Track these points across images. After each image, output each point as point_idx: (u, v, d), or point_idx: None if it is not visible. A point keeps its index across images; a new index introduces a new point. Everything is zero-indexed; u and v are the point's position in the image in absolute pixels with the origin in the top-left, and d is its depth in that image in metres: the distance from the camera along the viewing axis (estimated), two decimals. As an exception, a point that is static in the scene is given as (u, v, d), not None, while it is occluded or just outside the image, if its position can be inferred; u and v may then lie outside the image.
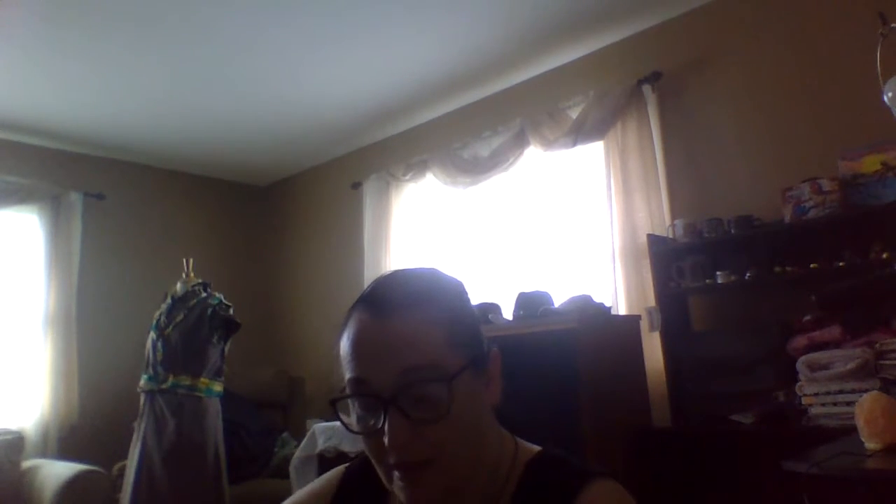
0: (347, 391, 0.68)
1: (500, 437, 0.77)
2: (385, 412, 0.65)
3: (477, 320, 0.76)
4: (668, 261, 2.78)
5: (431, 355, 0.66)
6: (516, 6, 3.04)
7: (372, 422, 0.67)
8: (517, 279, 3.52)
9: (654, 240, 2.83)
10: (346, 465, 0.87)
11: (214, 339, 3.18)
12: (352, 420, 0.69)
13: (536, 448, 0.77)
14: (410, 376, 0.65)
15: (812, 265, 2.40)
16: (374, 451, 0.68)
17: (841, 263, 2.34)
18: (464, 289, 0.77)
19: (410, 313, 0.68)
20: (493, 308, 2.91)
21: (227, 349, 3.26)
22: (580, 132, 3.26)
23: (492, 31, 3.25)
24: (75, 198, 4.28)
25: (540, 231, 3.61)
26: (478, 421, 0.70)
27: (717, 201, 2.92)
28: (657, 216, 3.02)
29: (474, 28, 3.22)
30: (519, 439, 0.79)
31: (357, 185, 4.53)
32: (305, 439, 3.25)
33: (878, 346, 2.10)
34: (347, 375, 0.68)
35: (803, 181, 2.47)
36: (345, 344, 0.69)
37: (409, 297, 0.69)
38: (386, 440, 0.65)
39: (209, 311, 3.18)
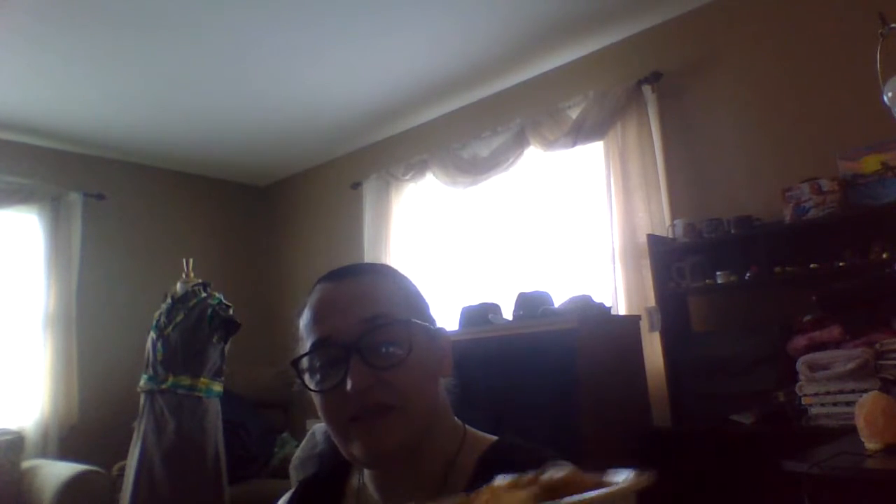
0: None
1: (453, 422, 0.79)
2: (348, 361, 0.68)
3: (427, 303, 0.81)
4: (668, 261, 2.78)
5: (388, 307, 0.72)
6: (516, 6, 3.04)
7: (334, 375, 0.69)
8: (517, 279, 3.52)
9: (654, 240, 2.83)
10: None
11: (214, 340, 3.17)
12: (312, 382, 0.72)
13: (492, 438, 0.79)
14: (370, 324, 0.69)
15: (812, 265, 2.40)
16: (334, 409, 0.70)
17: (841, 263, 2.34)
18: (414, 282, 0.83)
19: (366, 276, 0.76)
20: (493, 308, 2.91)
21: (227, 349, 3.26)
22: (580, 132, 3.26)
23: (491, 31, 3.25)
24: (75, 198, 4.28)
25: (540, 231, 3.61)
26: (433, 380, 0.74)
27: (717, 201, 2.92)
28: (657, 216, 3.02)
29: (474, 28, 3.22)
30: (471, 429, 0.80)
31: (357, 185, 4.54)
32: (305, 439, 3.24)
33: (878, 346, 2.10)
34: (311, 340, 0.72)
35: (803, 181, 2.47)
36: (306, 315, 0.74)
37: (364, 268, 0.78)
38: (349, 385, 0.67)
39: (209, 311, 3.17)
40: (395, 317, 0.71)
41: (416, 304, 0.77)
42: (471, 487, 0.70)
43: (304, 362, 0.72)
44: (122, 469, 3.34)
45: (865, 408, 1.54)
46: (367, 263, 0.82)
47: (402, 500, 0.74)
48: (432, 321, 0.78)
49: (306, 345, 0.73)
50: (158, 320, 3.22)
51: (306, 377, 0.72)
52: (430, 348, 0.74)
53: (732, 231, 2.62)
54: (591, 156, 3.35)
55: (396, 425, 0.68)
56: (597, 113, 3.23)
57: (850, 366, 2.07)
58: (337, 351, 0.69)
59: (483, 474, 0.71)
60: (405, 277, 0.81)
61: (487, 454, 0.74)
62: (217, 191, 5.18)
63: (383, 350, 0.69)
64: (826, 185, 2.42)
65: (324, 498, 0.82)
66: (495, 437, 0.78)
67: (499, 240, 3.80)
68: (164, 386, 3.06)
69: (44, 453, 3.78)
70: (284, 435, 4.16)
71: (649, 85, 3.17)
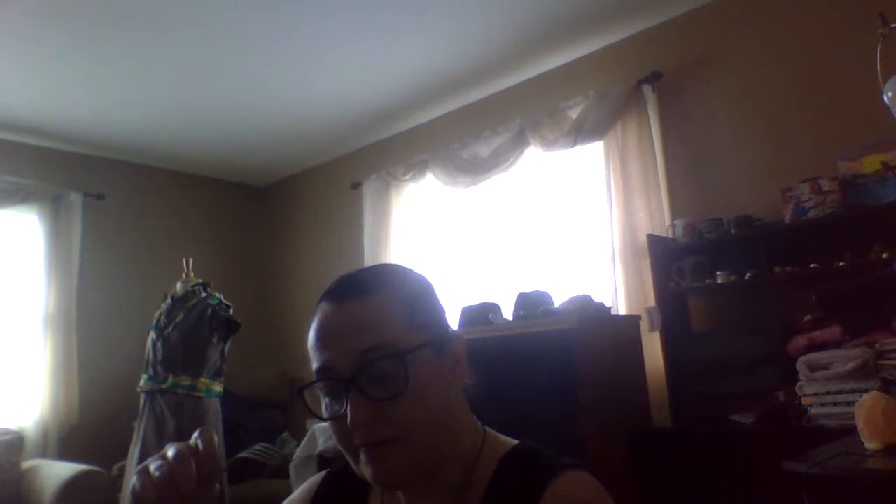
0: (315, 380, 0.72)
1: (471, 423, 0.79)
2: (346, 394, 0.68)
3: (438, 307, 0.79)
4: (668, 261, 2.78)
5: (387, 336, 0.70)
6: (516, 6, 3.04)
7: (337, 406, 0.70)
8: (517, 279, 3.52)
9: (654, 240, 2.83)
10: (329, 468, 0.90)
11: (214, 340, 3.17)
12: (320, 408, 0.73)
13: (512, 441, 0.78)
14: (367, 356, 0.68)
15: (812, 265, 2.40)
16: (341, 435, 0.71)
17: (841, 263, 2.34)
18: (426, 279, 0.81)
19: (367, 298, 0.72)
20: (493, 308, 2.91)
21: (227, 349, 3.26)
22: (580, 132, 3.26)
23: (492, 31, 3.25)
24: (75, 198, 4.28)
25: (540, 231, 3.61)
26: (443, 400, 0.72)
27: (717, 201, 2.92)
28: (657, 216, 3.02)
29: (474, 28, 3.22)
30: (491, 430, 0.80)
31: (357, 185, 4.53)
32: (305, 439, 3.25)
33: (878, 346, 2.09)
34: (314, 366, 0.72)
35: (803, 181, 2.47)
36: (311, 335, 0.73)
37: (367, 285, 0.74)
38: (349, 420, 0.67)
39: (209, 311, 3.17)
40: (395, 345, 0.69)
41: (423, 318, 0.74)
42: (490, 490, 0.72)
43: (313, 390, 0.73)
44: (122, 469, 3.34)
45: (865, 408, 1.54)
46: (371, 275, 0.77)
47: (423, 501, 0.75)
48: (443, 329, 0.77)
49: (312, 367, 0.73)
50: (158, 320, 3.22)
51: (314, 404, 0.73)
52: (437, 369, 0.72)
53: (732, 231, 2.62)
54: (591, 156, 3.35)
55: (401, 455, 0.68)
56: (597, 113, 3.22)
57: (850, 366, 2.07)
58: (336, 383, 0.69)
59: (503, 478, 0.72)
60: (413, 282, 0.78)
61: (508, 458, 0.75)
62: (217, 191, 5.18)
63: (381, 383, 0.68)
64: (826, 185, 2.42)
65: (352, 490, 0.83)
66: (515, 441, 0.78)
67: (499, 240, 3.80)
68: (164, 386, 3.07)
69: (44, 453, 3.78)
70: (284, 435, 4.16)
71: (649, 85, 3.17)
